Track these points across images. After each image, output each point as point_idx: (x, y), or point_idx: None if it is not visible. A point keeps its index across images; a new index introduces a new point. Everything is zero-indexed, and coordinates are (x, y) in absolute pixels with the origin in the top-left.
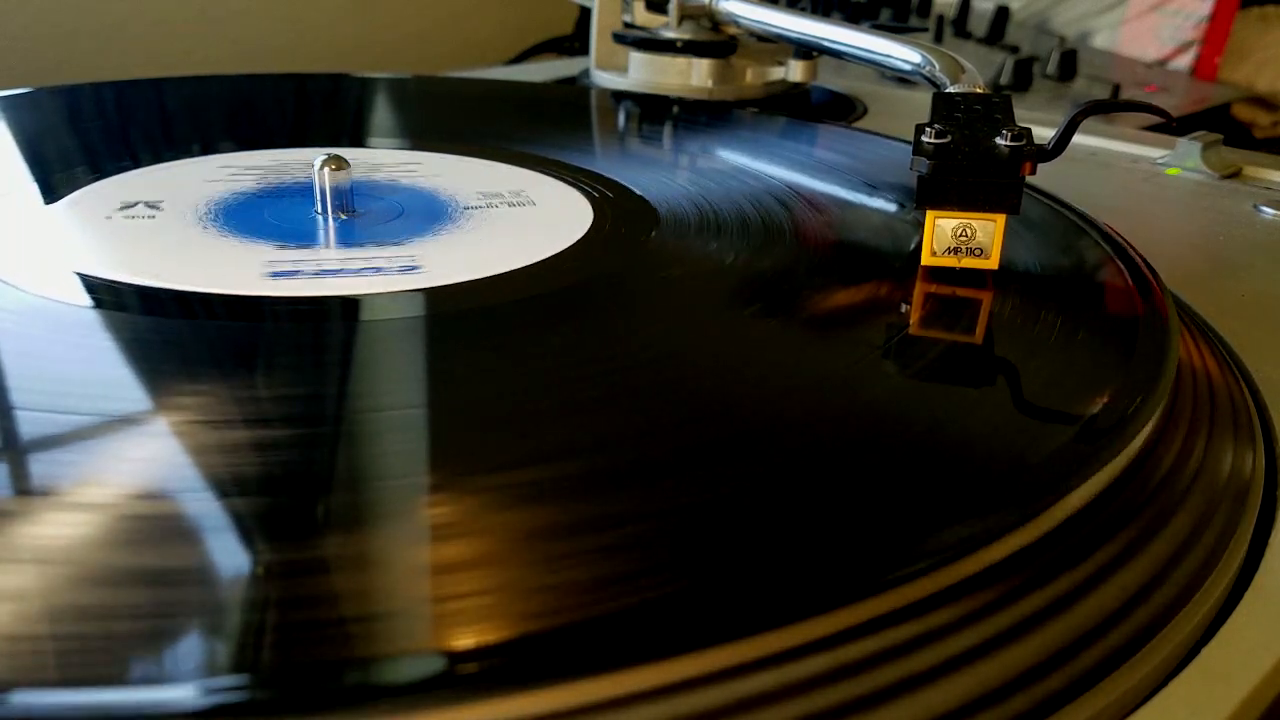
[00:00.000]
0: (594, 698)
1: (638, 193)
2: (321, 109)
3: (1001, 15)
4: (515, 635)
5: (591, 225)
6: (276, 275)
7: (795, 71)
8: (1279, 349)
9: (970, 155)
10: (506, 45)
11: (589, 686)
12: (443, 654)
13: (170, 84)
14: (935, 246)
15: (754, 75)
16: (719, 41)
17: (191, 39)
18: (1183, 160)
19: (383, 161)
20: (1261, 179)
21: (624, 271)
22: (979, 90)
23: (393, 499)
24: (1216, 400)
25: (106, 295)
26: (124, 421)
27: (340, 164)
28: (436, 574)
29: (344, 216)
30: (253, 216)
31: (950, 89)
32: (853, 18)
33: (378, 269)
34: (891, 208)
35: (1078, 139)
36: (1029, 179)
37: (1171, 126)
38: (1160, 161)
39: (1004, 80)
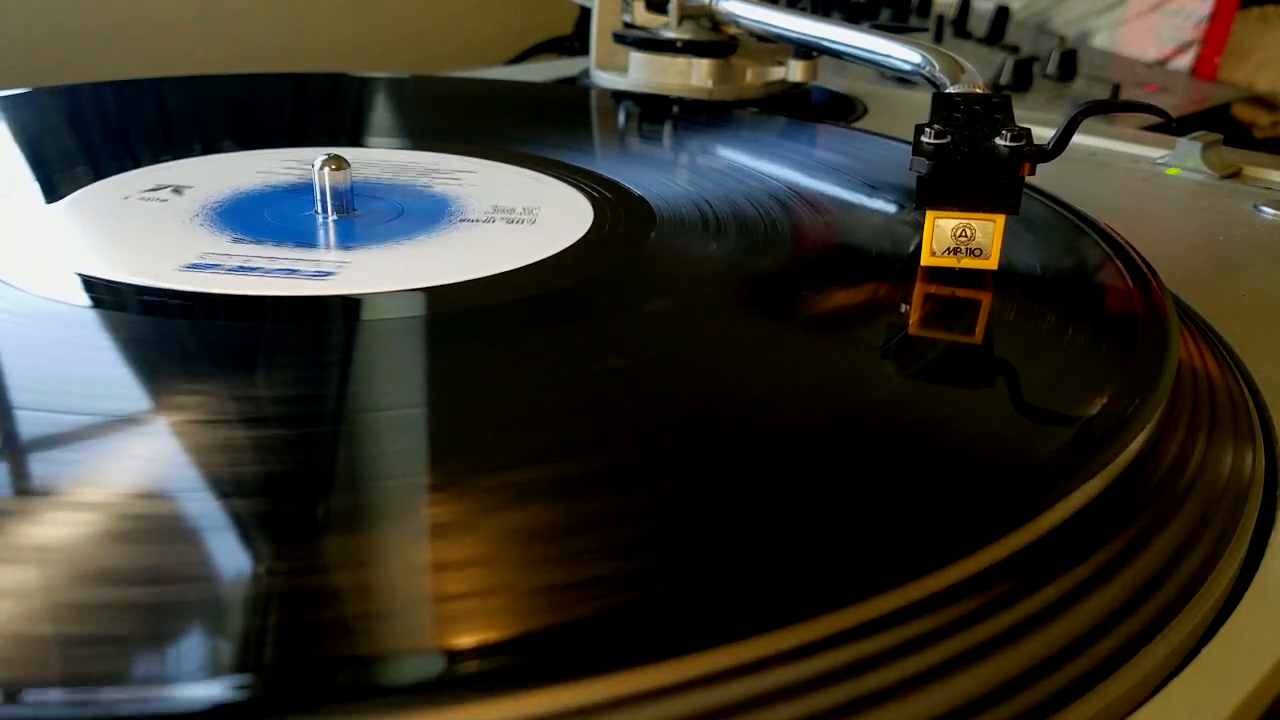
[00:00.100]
0: (593, 698)
1: (637, 193)
2: (353, 109)
3: (1001, 15)
4: (515, 634)
5: (591, 225)
6: (192, 268)
7: (795, 71)
8: (1279, 349)
9: (970, 155)
10: (506, 45)
11: (589, 686)
12: (443, 653)
13: (170, 84)
14: (935, 247)
15: (754, 75)
16: (719, 41)
17: (191, 39)
18: (1183, 160)
19: (408, 162)
20: (1261, 179)
21: (624, 271)
22: (979, 90)
23: (393, 499)
24: (1216, 400)
25: (106, 295)
26: (116, 421)
27: (340, 164)
28: (436, 573)
29: (335, 216)
30: (252, 212)
31: (950, 89)
32: (853, 18)
33: (293, 271)
34: (891, 208)
35: (1078, 139)
36: (1029, 179)
37: (1171, 127)
38: (1160, 161)
39: (1004, 80)
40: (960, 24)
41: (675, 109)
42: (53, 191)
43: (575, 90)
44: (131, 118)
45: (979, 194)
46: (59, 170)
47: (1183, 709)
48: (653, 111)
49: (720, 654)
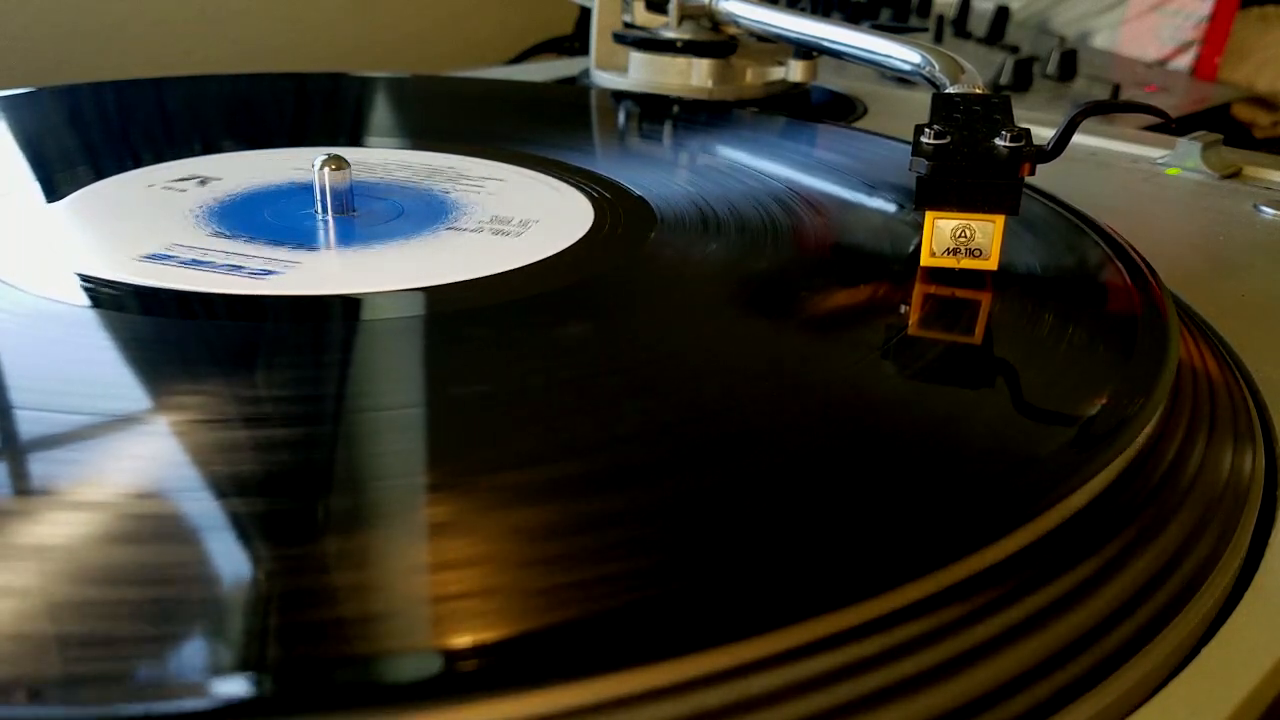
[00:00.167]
0: (593, 698)
1: (638, 193)
2: (357, 110)
3: (1001, 15)
4: (514, 634)
5: (591, 225)
6: (149, 259)
7: (795, 71)
8: (1279, 349)
9: (969, 156)
10: (506, 45)
11: (588, 686)
12: (442, 653)
13: (170, 84)
14: (934, 247)
15: (754, 75)
16: (719, 41)
17: (191, 39)
18: (1183, 160)
19: (443, 166)
20: (1261, 179)
21: (624, 271)
22: (978, 91)
23: (392, 499)
24: (1216, 400)
25: (106, 295)
26: (115, 420)
27: (340, 164)
28: (436, 573)
29: (333, 216)
30: (256, 209)
31: (950, 89)
32: (853, 18)
33: (236, 267)
34: (891, 208)
35: (1078, 139)
36: (1028, 180)
37: (1171, 127)
38: (1160, 161)
39: (1004, 80)
40: (960, 24)
41: (675, 109)
42: (53, 191)
43: (575, 90)
44: (132, 117)
45: (978, 194)
46: (60, 170)
47: (1183, 709)
48: (653, 111)
49: (720, 654)
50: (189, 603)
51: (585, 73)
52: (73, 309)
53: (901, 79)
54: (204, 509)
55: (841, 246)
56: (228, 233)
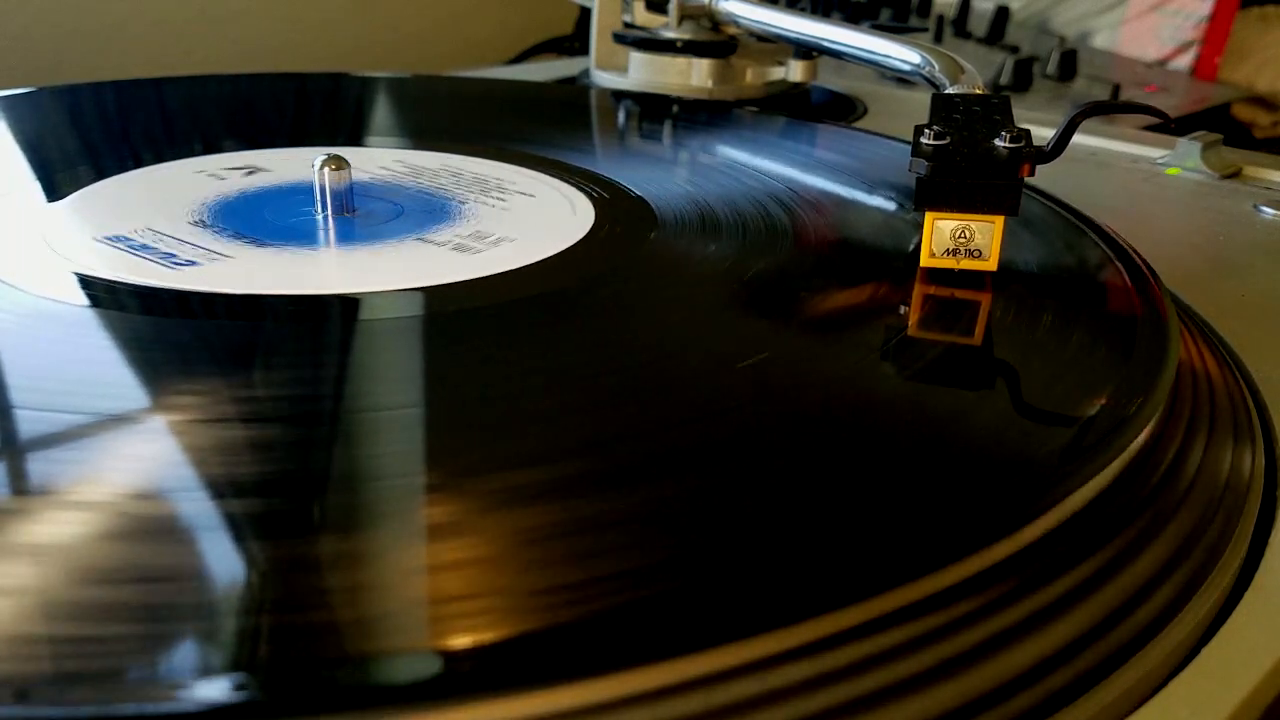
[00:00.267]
0: (592, 698)
1: (638, 193)
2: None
3: (1001, 15)
4: (513, 635)
5: (592, 225)
6: (106, 239)
7: (795, 71)
8: (1279, 349)
9: (969, 157)
10: (506, 45)
11: (587, 687)
12: (440, 654)
13: (170, 84)
14: (934, 248)
15: (754, 75)
16: (719, 41)
17: (191, 39)
18: (1183, 160)
19: (487, 173)
20: (1261, 179)
21: (624, 272)
22: (978, 91)
23: (390, 499)
24: (1216, 400)
25: (105, 295)
26: (111, 420)
27: (340, 164)
28: (434, 573)
29: (330, 215)
30: (261, 204)
31: (949, 90)
32: (853, 18)
33: (171, 254)
34: (891, 208)
35: (1078, 139)
36: (1028, 180)
37: (1170, 128)
38: (1160, 161)
39: (1004, 80)
40: (960, 24)
41: (675, 109)
42: (54, 190)
43: (575, 90)
44: (132, 117)
45: (978, 195)
46: (59, 170)
47: (1183, 709)
48: (653, 111)
49: (720, 654)
50: (185, 603)
51: (585, 73)
52: (73, 309)
53: (901, 79)
54: (199, 509)
55: (841, 247)
56: (208, 223)
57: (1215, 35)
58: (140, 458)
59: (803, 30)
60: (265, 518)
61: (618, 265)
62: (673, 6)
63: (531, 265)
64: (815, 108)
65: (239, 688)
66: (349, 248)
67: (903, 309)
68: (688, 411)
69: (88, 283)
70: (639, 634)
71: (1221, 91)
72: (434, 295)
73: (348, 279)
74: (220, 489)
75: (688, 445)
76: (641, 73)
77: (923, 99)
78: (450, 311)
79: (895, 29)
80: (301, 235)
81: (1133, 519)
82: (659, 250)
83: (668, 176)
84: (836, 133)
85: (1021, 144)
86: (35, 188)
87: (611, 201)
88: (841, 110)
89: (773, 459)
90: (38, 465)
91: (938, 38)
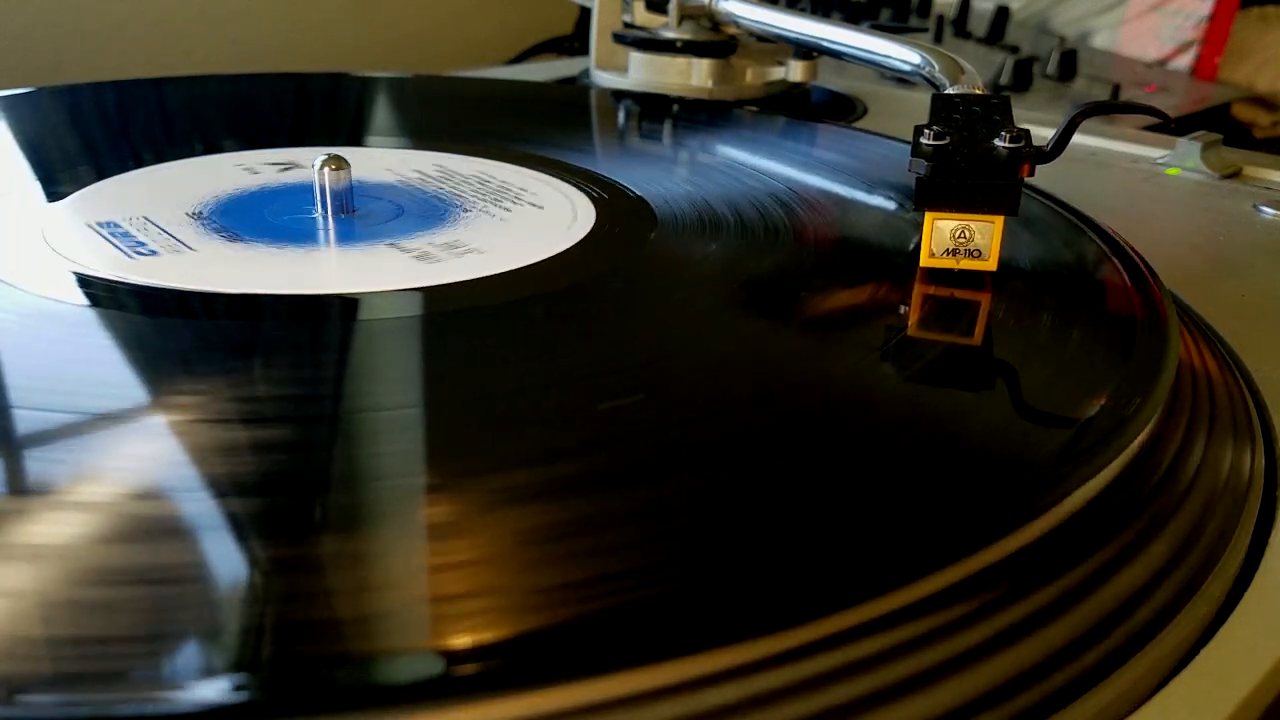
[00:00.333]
0: (592, 698)
1: (638, 193)
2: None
3: (1001, 15)
4: (513, 634)
5: (593, 225)
6: (99, 225)
7: (795, 71)
8: (1279, 349)
9: (969, 157)
10: (506, 45)
11: (587, 687)
12: (440, 653)
13: (170, 84)
14: (934, 248)
15: (754, 75)
16: (719, 41)
17: (191, 39)
18: (1183, 160)
19: (509, 179)
20: (1261, 179)
21: (624, 272)
22: (978, 91)
23: (390, 499)
24: (1216, 400)
25: (105, 295)
26: (111, 420)
27: (340, 164)
28: (434, 573)
29: (328, 214)
30: (264, 202)
31: (949, 90)
32: (853, 18)
33: (139, 243)
34: (891, 208)
35: (1077, 139)
36: (1028, 180)
37: (1170, 128)
38: (1160, 161)
39: (1004, 80)
40: (960, 24)
41: (675, 109)
42: (53, 191)
43: (575, 90)
44: (132, 117)
45: (978, 195)
46: (59, 169)
47: (1183, 709)
48: (653, 111)
49: (719, 655)
50: (186, 603)
51: (585, 73)
52: (73, 309)
53: (901, 79)
54: (199, 509)
55: (841, 247)
56: (202, 215)
57: (1215, 35)
58: (140, 457)
59: (803, 30)
60: (265, 518)
61: (618, 265)
62: (673, 6)
63: (531, 265)
64: (815, 108)
65: (239, 688)
66: (315, 249)
67: (902, 309)
68: (688, 411)
69: (87, 282)
70: (639, 634)
71: (1221, 91)
72: (434, 295)
73: (294, 279)
74: (220, 489)
75: (687, 445)
76: (641, 73)
77: (923, 99)
78: (450, 311)
79: (895, 29)
80: (286, 234)
81: (1132, 519)
82: (659, 250)
83: (668, 176)
84: (836, 133)
85: (1021, 144)
86: (35, 188)
87: (611, 201)
88: (841, 110)
89: (772, 459)
90: (37, 465)
91: (938, 38)
